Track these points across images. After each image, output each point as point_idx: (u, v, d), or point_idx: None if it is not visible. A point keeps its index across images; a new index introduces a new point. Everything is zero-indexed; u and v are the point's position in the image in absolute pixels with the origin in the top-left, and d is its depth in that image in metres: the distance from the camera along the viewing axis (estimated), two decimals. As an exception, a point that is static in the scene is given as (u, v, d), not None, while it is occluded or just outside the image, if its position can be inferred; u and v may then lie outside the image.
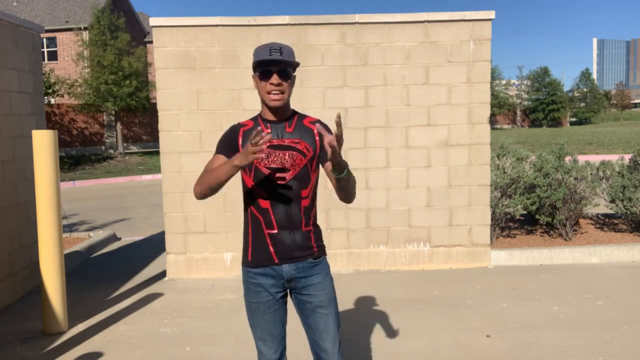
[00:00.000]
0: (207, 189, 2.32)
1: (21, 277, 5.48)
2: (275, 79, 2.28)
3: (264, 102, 2.36)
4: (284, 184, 2.35)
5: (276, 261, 2.38)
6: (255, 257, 2.40)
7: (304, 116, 2.46)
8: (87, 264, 6.88)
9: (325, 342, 2.40)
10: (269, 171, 2.35)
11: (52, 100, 27.09)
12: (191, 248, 6.04)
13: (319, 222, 5.88)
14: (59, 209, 4.44)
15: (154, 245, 7.77)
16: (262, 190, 2.37)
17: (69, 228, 9.06)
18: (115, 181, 19.13)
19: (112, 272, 6.42)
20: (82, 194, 15.23)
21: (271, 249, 2.38)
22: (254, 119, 2.46)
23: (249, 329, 4.45)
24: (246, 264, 2.43)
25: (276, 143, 2.37)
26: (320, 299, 2.41)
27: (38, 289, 5.69)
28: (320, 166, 2.47)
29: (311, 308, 2.42)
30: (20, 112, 5.50)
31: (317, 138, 2.40)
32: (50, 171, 4.34)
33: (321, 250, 2.45)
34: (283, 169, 2.35)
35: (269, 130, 2.38)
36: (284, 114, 2.39)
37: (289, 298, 2.51)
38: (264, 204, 2.37)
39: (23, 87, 5.56)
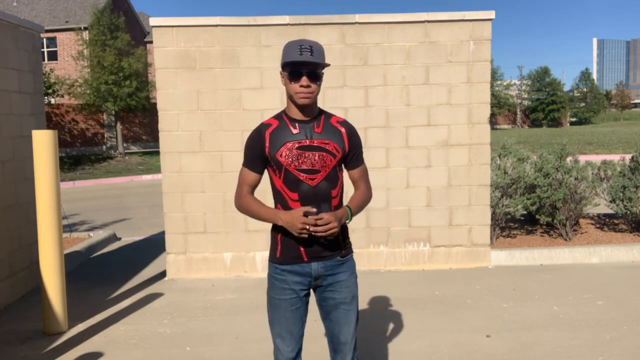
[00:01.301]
0: (247, 215, 2.46)
1: (21, 277, 5.48)
2: (304, 81, 2.27)
3: (291, 100, 2.35)
4: (315, 185, 2.35)
5: (305, 259, 2.39)
6: (284, 254, 2.41)
7: (330, 115, 2.47)
8: (87, 264, 6.88)
9: (346, 335, 2.46)
10: (300, 173, 2.35)
11: (52, 100, 27.08)
12: (191, 248, 6.04)
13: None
14: (59, 209, 4.44)
15: (154, 245, 7.77)
16: (292, 191, 2.36)
17: (69, 228, 9.06)
18: (115, 181, 19.13)
19: (112, 272, 6.42)
20: (82, 194, 15.23)
21: (301, 248, 2.38)
22: (278, 117, 2.44)
23: (249, 329, 4.45)
24: (274, 259, 2.44)
25: (307, 143, 2.36)
26: (343, 295, 2.45)
27: (38, 289, 5.69)
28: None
29: (334, 304, 2.45)
30: (20, 112, 5.50)
31: (346, 139, 2.42)
32: (50, 171, 4.34)
33: (349, 249, 2.49)
34: (314, 170, 2.35)
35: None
36: (311, 113, 2.38)
37: (311, 299, 2.56)
38: (294, 204, 2.36)
39: (23, 87, 5.56)
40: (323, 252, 2.39)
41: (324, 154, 2.36)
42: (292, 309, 2.42)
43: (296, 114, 2.38)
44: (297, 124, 2.38)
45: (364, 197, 2.46)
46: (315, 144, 2.36)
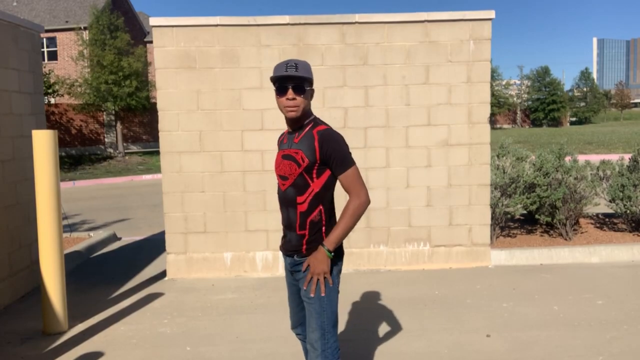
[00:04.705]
0: None
1: (21, 277, 5.48)
2: (290, 94, 2.51)
3: (283, 114, 2.58)
4: (284, 190, 2.64)
5: (283, 252, 2.75)
6: (281, 244, 2.78)
7: (317, 125, 2.59)
8: (87, 264, 6.88)
9: (309, 333, 2.60)
10: (278, 178, 2.69)
11: (52, 100, 27.07)
12: (191, 248, 6.04)
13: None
14: (59, 209, 4.44)
15: (154, 245, 7.77)
16: (277, 193, 2.75)
17: (69, 228, 9.06)
18: (116, 181, 19.13)
19: (112, 272, 6.43)
20: (82, 194, 15.23)
21: (282, 241, 2.76)
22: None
23: (249, 329, 4.46)
24: (280, 246, 2.81)
25: (286, 153, 2.62)
26: (304, 291, 2.61)
27: (38, 289, 5.69)
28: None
29: (302, 297, 2.65)
30: (20, 112, 5.50)
31: (317, 147, 2.52)
32: (50, 171, 4.34)
33: (311, 251, 2.61)
34: (284, 177, 2.63)
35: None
36: (297, 125, 2.61)
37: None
38: (279, 205, 2.76)
39: (23, 87, 5.56)
40: (287, 250, 2.69)
41: (292, 162, 2.59)
42: (290, 291, 2.80)
43: (287, 125, 2.66)
44: (287, 135, 2.68)
45: (349, 218, 2.52)
46: (289, 154, 2.61)
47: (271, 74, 5.80)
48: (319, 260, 2.52)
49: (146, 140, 30.41)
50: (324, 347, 2.56)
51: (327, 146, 2.51)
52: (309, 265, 2.55)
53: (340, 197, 5.80)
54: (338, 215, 2.79)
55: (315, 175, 2.56)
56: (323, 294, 2.53)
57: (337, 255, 2.64)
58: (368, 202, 2.56)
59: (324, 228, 2.62)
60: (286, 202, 2.64)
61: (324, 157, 2.52)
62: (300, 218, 2.60)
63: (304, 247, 2.61)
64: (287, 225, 2.66)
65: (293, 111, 2.51)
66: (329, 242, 2.53)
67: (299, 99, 2.50)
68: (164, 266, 6.49)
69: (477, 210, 6.13)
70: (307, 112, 2.58)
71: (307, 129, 2.58)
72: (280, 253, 6.02)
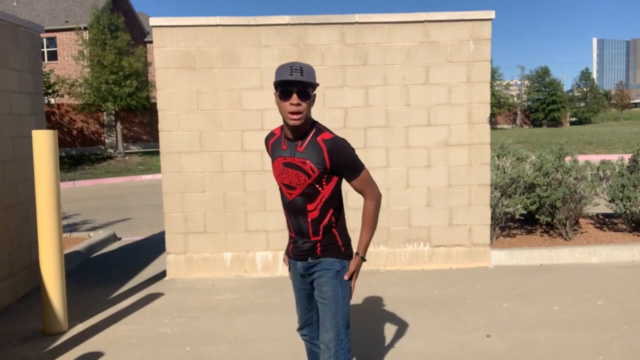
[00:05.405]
0: None
1: (21, 277, 5.48)
2: (294, 99, 2.40)
3: (283, 120, 2.49)
4: (291, 200, 2.58)
5: (291, 255, 2.72)
6: (288, 249, 2.75)
7: (320, 132, 2.52)
8: (87, 264, 6.88)
9: (322, 334, 2.58)
10: (282, 186, 2.62)
11: (52, 100, 27.06)
12: (191, 248, 6.04)
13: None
14: (59, 209, 4.44)
15: (154, 246, 7.77)
16: (282, 202, 2.68)
17: (69, 228, 9.06)
18: (116, 181, 19.13)
19: (112, 272, 6.43)
20: (82, 194, 15.22)
21: (290, 247, 2.72)
22: (281, 129, 2.65)
23: (249, 329, 4.46)
24: (286, 251, 2.79)
25: (289, 161, 2.54)
26: (321, 296, 2.60)
27: (38, 289, 5.69)
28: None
29: (316, 298, 2.65)
30: (20, 112, 5.50)
31: (327, 157, 2.47)
32: (50, 171, 4.34)
33: (326, 252, 2.61)
34: (291, 187, 2.57)
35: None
36: (299, 132, 2.51)
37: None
38: (285, 212, 2.67)
39: (23, 87, 5.56)
40: (298, 254, 2.66)
41: (300, 172, 2.52)
42: (298, 295, 2.78)
43: (287, 132, 2.55)
44: (287, 141, 2.57)
45: (371, 220, 2.60)
46: (294, 162, 2.53)
47: (271, 74, 5.85)
48: (359, 267, 2.65)
49: (146, 141, 30.40)
50: (337, 347, 2.56)
51: (337, 157, 2.47)
52: (352, 274, 2.64)
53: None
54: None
55: (325, 183, 2.53)
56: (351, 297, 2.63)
57: (351, 257, 2.67)
58: (381, 196, 2.62)
59: (335, 229, 2.61)
60: (295, 210, 2.59)
61: (334, 167, 2.49)
62: (313, 225, 2.57)
63: (319, 249, 2.60)
64: (298, 232, 2.62)
65: (296, 119, 2.41)
66: (363, 250, 2.64)
67: (304, 105, 2.41)
68: (164, 266, 6.48)
69: (477, 211, 6.13)
70: (308, 118, 2.50)
71: (311, 136, 2.51)
72: (281, 254, 6.02)
